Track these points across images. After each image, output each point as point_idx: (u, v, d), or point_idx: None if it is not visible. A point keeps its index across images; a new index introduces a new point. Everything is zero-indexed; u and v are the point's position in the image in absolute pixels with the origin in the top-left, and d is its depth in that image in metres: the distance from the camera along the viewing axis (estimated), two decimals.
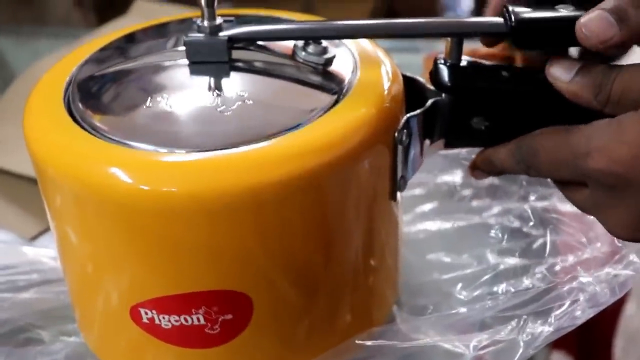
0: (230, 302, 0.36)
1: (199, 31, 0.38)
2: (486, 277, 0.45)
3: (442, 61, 0.37)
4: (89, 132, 0.35)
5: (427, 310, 0.44)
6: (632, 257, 0.41)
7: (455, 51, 0.37)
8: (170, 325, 0.36)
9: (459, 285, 0.45)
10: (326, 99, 0.36)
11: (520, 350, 0.38)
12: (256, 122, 0.35)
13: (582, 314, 0.39)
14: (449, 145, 0.40)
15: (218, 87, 0.37)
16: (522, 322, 0.39)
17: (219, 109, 0.35)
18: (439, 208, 0.50)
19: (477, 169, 0.40)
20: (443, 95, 0.37)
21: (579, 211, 0.37)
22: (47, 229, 0.57)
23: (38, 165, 0.36)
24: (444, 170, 0.52)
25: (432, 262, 0.47)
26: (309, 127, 0.34)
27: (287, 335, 0.39)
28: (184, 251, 0.34)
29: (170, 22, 0.43)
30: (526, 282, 0.43)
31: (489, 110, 0.37)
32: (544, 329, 0.38)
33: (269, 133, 0.33)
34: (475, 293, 0.44)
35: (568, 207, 0.47)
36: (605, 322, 1.16)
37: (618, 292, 0.40)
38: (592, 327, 1.14)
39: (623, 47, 0.34)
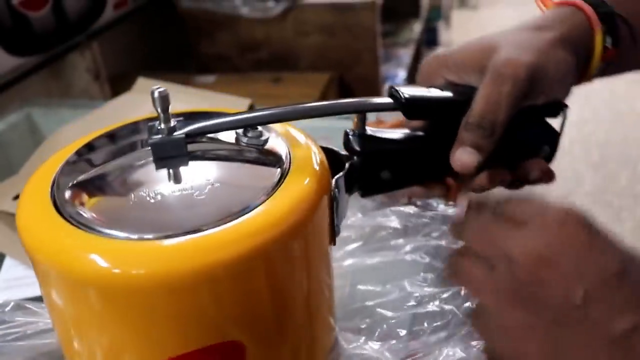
0: (226, 351, 0.34)
1: (159, 133, 0.36)
2: (407, 303, 0.45)
3: (352, 132, 0.39)
4: (71, 223, 0.33)
5: (362, 329, 0.44)
6: None
7: (361, 124, 0.39)
8: None
9: (387, 309, 0.45)
10: (274, 176, 0.35)
11: None
12: (212, 207, 0.33)
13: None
14: (364, 195, 0.41)
15: (178, 178, 0.36)
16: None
17: (179, 198, 0.34)
18: (363, 246, 0.50)
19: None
20: (355, 157, 0.39)
21: None
22: None
23: (28, 252, 0.34)
24: (367, 216, 0.52)
25: (362, 291, 0.47)
26: (264, 205, 0.33)
27: None
28: (166, 321, 0.32)
29: (140, 122, 0.41)
30: (437, 306, 0.43)
31: (391, 165, 0.39)
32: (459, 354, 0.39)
33: (224, 217, 0.32)
34: (400, 314, 0.44)
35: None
36: None
37: None
38: None
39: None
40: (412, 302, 0.45)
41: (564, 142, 0.41)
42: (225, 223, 0.32)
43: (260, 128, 0.38)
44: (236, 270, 0.32)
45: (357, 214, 0.51)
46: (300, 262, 0.35)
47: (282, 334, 0.36)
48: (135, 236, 0.31)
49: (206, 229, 0.31)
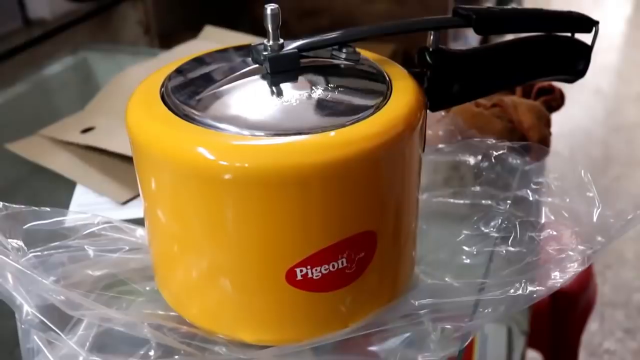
0: (363, 241, 0.37)
1: (267, 50, 0.39)
2: (486, 240, 0.46)
3: (426, 49, 0.43)
4: (183, 118, 0.36)
5: (440, 263, 0.45)
6: (599, 237, 0.43)
7: (435, 40, 0.42)
8: (320, 275, 0.37)
9: (466, 244, 0.46)
10: (382, 87, 0.38)
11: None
12: (331, 111, 0.36)
13: (560, 279, 0.41)
14: (434, 109, 0.44)
15: (291, 87, 0.39)
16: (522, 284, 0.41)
17: (292, 103, 0.37)
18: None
19: None
20: (428, 73, 0.42)
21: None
22: (137, 195, 0.57)
23: (138, 147, 0.37)
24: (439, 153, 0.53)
25: (438, 227, 0.49)
26: (383, 110, 0.36)
27: (391, 265, 0.40)
28: (310, 214, 0.35)
29: (231, 48, 0.44)
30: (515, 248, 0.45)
31: (462, 78, 0.44)
32: (537, 289, 0.40)
33: (345, 120, 0.35)
34: (482, 250, 0.46)
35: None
36: (573, 333, 1.16)
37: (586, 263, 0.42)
38: (561, 336, 1.13)
39: None
40: (490, 241, 0.46)
41: None
42: (344, 126, 0.34)
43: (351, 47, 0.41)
44: (358, 165, 0.34)
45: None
46: (411, 162, 0.39)
47: (395, 226, 0.39)
48: (247, 132, 0.34)
49: (321, 131, 0.34)
